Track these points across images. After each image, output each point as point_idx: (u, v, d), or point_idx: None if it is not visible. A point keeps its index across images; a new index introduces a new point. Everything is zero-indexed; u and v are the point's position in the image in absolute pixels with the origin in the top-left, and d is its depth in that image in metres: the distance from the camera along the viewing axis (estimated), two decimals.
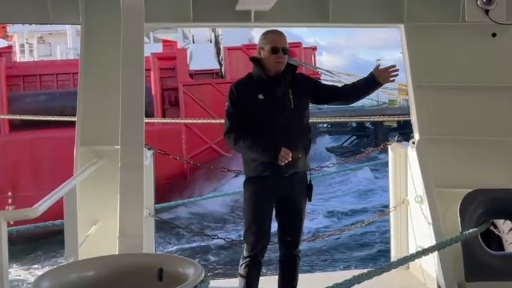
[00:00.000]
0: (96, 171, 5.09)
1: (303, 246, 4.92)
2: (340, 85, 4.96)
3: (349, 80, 21.58)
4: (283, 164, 4.40)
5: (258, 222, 4.57)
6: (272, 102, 4.51)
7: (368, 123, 48.34)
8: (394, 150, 6.03)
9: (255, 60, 4.62)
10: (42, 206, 3.51)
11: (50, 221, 6.04)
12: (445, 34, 5.59)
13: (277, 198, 4.60)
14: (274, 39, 4.57)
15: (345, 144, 53.11)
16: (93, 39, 5.34)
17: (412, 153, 5.65)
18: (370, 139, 47.54)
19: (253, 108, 4.49)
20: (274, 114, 4.50)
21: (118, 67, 4.62)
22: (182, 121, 21.22)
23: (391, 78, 4.63)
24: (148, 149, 5.50)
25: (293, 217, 4.68)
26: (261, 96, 4.50)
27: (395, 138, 6.07)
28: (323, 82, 5.05)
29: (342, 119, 15.35)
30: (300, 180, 4.66)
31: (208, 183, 23.69)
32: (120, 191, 4.41)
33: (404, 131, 5.66)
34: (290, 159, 4.39)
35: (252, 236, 4.58)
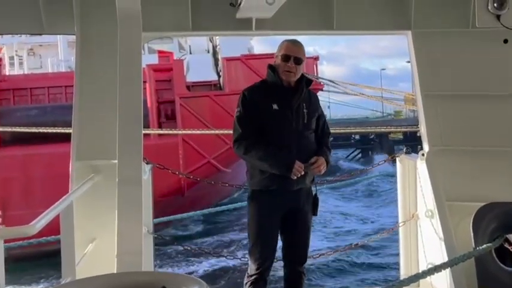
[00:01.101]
0: (93, 186, 5.09)
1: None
2: (328, 130, 4.94)
3: (354, 91, 21.64)
4: (295, 177, 4.43)
5: (265, 238, 4.57)
6: (286, 114, 4.53)
7: (372, 136, 48.39)
8: (402, 163, 6.03)
9: (272, 67, 4.64)
10: (39, 223, 3.52)
11: (44, 237, 6.02)
12: (454, 41, 5.61)
13: (284, 213, 4.60)
14: (287, 47, 4.60)
15: (349, 157, 53.07)
16: (88, 50, 5.36)
17: (421, 165, 5.65)
18: (375, 152, 47.57)
19: (266, 116, 4.51)
20: (287, 126, 4.53)
21: (115, 78, 4.63)
22: (179, 132, 21.18)
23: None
24: (147, 163, 5.51)
25: (300, 233, 4.68)
26: (275, 106, 4.51)
27: (404, 149, 6.06)
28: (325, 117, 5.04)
29: (347, 130, 15.28)
30: (306, 194, 4.67)
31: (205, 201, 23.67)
32: (118, 207, 4.41)
33: (411, 143, 5.67)
34: (303, 173, 4.43)
35: (258, 254, 4.57)
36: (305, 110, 4.60)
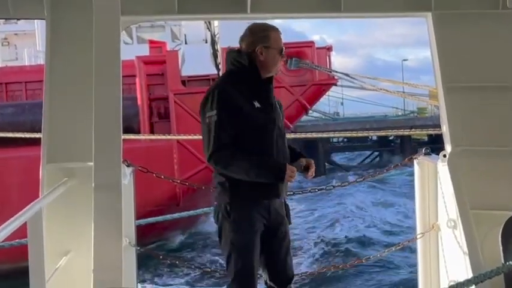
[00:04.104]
0: (66, 192, 5.05)
1: None
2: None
3: (372, 84, 21.52)
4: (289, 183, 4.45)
5: (250, 258, 4.51)
6: (268, 112, 4.52)
7: (392, 136, 48.33)
8: (421, 165, 5.96)
9: (250, 56, 4.57)
10: (1, 234, 3.50)
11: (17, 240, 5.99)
12: (481, 24, 5.53)
13: (265, 228, 4.57)
14: (280, 38, 4.63)
15: (366, 161, 53.06)
16: (60, 37, 5.33)
17: (443, 168, 5.59)
18: (396, 155, 47.47)
19: (248, 116, 4.46)
20: (271, 127, 4.52)
21: (90, 69, 4.61)
22: (173, 137, 21.11)
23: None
24: (127, 166, 5.48)
25: (286, 248, 4.70)
26: (257, 104, 4.48)
27: (423, 150, 6.00)
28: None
29: (359, 134, 15.18)
30: (281, 202, 4.69)
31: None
32: (94, 216, 4.40)
33: (437, 146, 5.61)
34: (296, 177, 4.43)
35: (241, 277, 4.50)
36: (278, 106, 4.63)
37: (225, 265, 4.65)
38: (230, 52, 4.70)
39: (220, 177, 4.52)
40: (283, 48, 4.62)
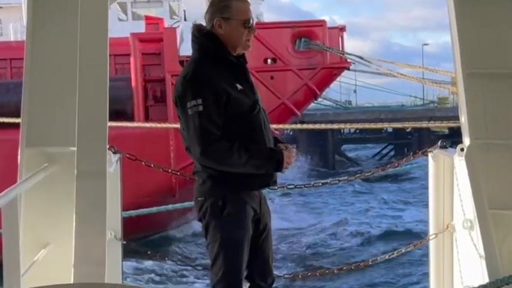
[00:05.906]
0: (46, 179, 5.01)
1: None
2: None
3: (388, 69, 21.47)
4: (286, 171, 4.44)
5: (241, 257, 4.49)
6: (251, 94, 4.49)
7: (410, 128, 48.09)
8: (436, 160, 5.94)
9: (214, 35, 4.45)
10: None
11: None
12: (508, 3, 5.48)
13: (253, 222, 4.57)
14: (245, 9, 4.48)
15: (377, 156, 52.86)
16: (43, 10, 5.29)
17: (460, 163, 5.56)
18: (413, 149, 47.35)
19: (235, 103, 4.40)
20: (258, 109, 4.50)
21: (75, 45, 4.60)
22: (170, 126, 21.09)
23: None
24: (114, 153, 5.47)
25: (271, 244, 4.73)
26: (239, 86, 4.41)
27: (439, 143, 5.96)
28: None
29: (372, 125, 15.02)
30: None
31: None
32: (76, 206, 4.39)
33: (458, 139, 5.55)
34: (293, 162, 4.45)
35: (229, 278, 4.48)
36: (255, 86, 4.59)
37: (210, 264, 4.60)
38: (193, 27, 4.56)
39: (209, 169, 4.46)
40: (251, 19, 4.45)
